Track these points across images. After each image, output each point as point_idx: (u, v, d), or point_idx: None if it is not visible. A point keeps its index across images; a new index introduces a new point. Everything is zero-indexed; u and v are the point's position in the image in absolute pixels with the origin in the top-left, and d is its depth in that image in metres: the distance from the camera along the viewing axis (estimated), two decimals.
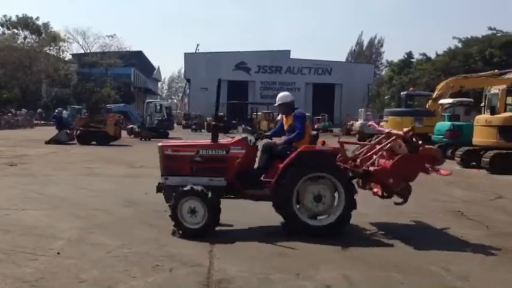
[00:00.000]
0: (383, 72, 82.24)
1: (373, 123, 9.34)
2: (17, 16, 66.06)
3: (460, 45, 52.41)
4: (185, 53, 70.59)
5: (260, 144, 6.92)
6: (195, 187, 6.17)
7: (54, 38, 65.18)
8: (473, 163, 15.40)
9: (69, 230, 6.36)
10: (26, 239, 5.86)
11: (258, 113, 43.31)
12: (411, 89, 29.88)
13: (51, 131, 25.51)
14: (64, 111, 33.33)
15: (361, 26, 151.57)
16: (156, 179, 6.94)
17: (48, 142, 21.94)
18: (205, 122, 43.83)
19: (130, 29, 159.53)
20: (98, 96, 59.39)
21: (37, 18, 66.78)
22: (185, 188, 6.17)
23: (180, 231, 6.16)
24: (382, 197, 6.84)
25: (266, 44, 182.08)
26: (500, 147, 14.45)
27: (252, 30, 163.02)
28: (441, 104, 20.68)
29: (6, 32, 64.61)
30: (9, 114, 44.80)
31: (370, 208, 7.55)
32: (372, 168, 6.53)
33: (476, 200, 9.71)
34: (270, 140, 7.10)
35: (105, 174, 12.21)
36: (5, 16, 65.59)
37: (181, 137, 31.28)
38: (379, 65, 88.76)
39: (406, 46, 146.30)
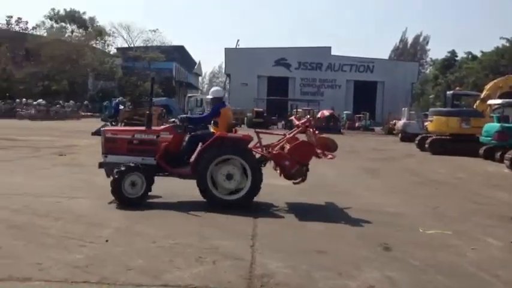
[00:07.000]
0: (428, 71, 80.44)
1: (293, 117, 9.78)
2: (64, 10, 68.77)
3: (508, 44, 50.69)
4: (225, 48, 70.83)
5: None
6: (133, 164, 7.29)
7: (100, 32, 67.20)
8: None
9: (116, 219, 6.58)
10: (76, 226, 6.09)
11: (298, 110, 43.09)
12: (458, 88, 29.07)
13: (98, 123, 26.21)
14: (118, 101, 34.08)
15: (405, 23, 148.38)
16: None
17: (94, 133, 22.56)
18: (246, 118, 44.06)
19: (172, 23, 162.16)
20: (141, 90, 60.59)
21: (84, 13, 69.33)
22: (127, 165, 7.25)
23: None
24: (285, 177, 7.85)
25: (307, 40, 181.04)
26: None
27: (293, 26, 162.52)
28: (490, 105, 20.00)
29: (55, 25, 67.11)
30: (57, 105, 46.46)
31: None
32: (272, 152, 7.78)
33: None
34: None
35: None
36: (53, 10, 68.41)
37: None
38: (424, 63, 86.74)
39: (450, 45, 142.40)
